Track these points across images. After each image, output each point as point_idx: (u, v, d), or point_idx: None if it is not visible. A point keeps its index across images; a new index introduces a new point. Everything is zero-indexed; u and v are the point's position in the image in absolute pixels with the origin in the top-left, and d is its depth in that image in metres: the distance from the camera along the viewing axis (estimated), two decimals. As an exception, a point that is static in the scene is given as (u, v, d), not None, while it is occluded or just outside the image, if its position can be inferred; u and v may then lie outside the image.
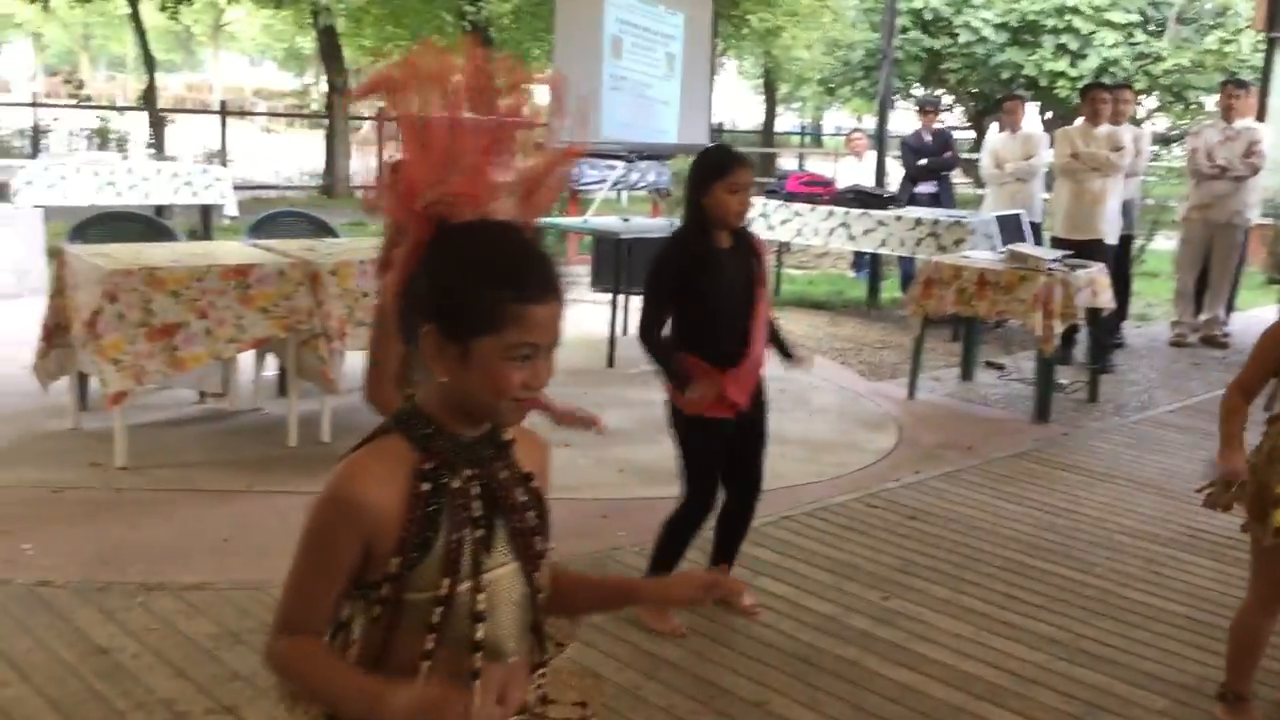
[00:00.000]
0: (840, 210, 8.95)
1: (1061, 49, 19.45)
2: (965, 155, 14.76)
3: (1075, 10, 19.37)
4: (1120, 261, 7.80)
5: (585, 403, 6.23)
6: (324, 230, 6.47)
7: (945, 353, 7.70)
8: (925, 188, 9.99)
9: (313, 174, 19.31)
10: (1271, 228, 10.02)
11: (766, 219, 9.18)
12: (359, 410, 3.93)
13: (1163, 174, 15.95)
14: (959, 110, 23.30)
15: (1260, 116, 10.84)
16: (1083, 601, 3.90)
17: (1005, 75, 19.80)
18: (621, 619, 3.52)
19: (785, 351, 3.70)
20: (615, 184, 9.23)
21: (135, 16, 15.50)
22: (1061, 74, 19.21)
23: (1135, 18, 19.53)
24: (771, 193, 9.68)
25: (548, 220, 9.58)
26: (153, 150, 13.56)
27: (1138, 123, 16.40)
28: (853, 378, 7.14)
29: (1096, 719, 3.14)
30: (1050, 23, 19.53)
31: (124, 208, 8.60)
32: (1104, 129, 7.48)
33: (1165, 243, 11.54)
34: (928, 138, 10.11)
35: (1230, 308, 8.74)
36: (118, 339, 4.63)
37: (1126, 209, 7.85)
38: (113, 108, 17.92)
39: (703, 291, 3.38)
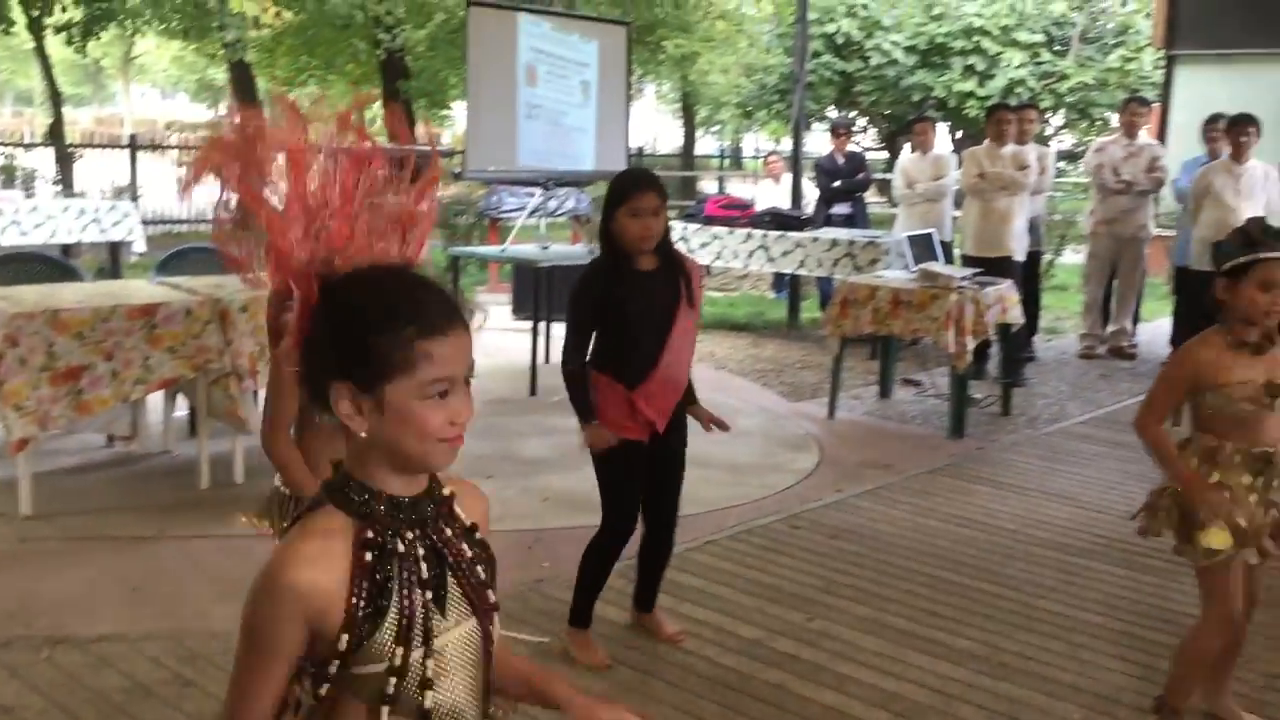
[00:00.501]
0: (759, 233, 9.08)
1: (970, 70, 19.95)
2: (879, 176, 15.05)
3: (982, 32, 19.90)
4: (1029, 277, 7.98)
5: (507, 432, 6.26)
6: (235, 266, 6.34)
7: (864, 371, 7.80)
8: (840, 209, 10.14)
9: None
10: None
11: (687, 242, 9.25)
12: (272, 450, 3.86)
13: (1069, 190, 16.40)
14: (873, 132, 23.74)
15: (1160, 132, 11.22)
16: (1001, 614, 3.96)
17: (916, 97, 20.24)
18: (548, 653, 3.49)
19: (691, 398, 3.58)
20: (534, 211, 9.22)
21: (40, 50, 15.16)
22: (970, 94, 19.69)
23: (1040, 38, 20.11)
24: (690, 216, 9.77)
25: (466, 249, 9.56)
26: (60, 187, 13.24)
27: (1044, 141, 16.89)
28: (774, 399, 7.20)
29: (1016, 732, 3.19)
30: (958, 44, 20.03)
31: (29, 248, 8.37)
32: (1009, 148, 7.67)
33: (1073, 257, 11.85)
34: (841, 160, 10.27)
35: (1136, 319, 8.99)
36: (20, 384, 4.50)
37: (1033, 226, 8.05)
38: (18, 144, 17.45)
39: (622, 316, 3.37)
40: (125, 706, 3.17)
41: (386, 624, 1.38)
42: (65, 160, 14.89)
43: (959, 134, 20.94)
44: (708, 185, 22.68)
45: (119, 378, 4.73)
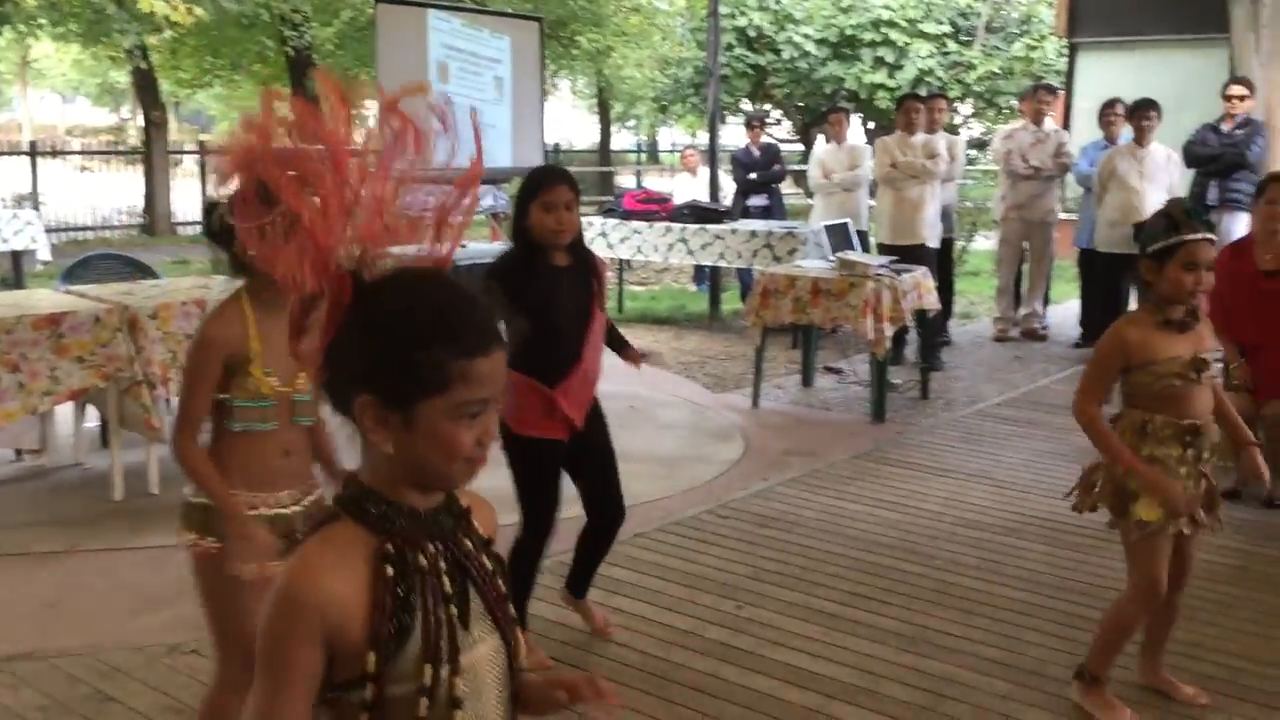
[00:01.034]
0: (678, 226, 9.10)
1: (880, 61, 20.26)
2: (795, 167, 15.20)
3: (890, 24, 20.22)
4: (943, 263, 8.14)
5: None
6: (142, 271, 6.20)
7: (786, 360, 7.88)
8: (757, 200, 10.24)
9: (132, 212, 18.50)
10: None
11: (606, 238, 9.25)
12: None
13: (979, 177, 16.75)
14: (788, 124, 23.97)
15: (1065, 118, 11.51)
16: (924, 594, 4.04)
17: (828, 89, 20.51)
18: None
19: (622, 345, 3.64)
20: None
21: (-70, 56, 14.61)
22: (881, 85, 20.00)
23: (947, 28, 20.50)
24: (609, 211, 9.76)
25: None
26: (-44, 196, 12.80)
27: (954, 129, 17.21)
28: (699, 391, 7.24)
29: (943, 708, 3.25)
30: (868, 36, 20.34)
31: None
32: (920, 137, 7.80)
33: (984, 243, 12.10)
34: (756, 152, 10.36)
35: (1046, 301, 9.22)
36: (-81, 400, 4.34)
37: (946, 213, 8.21)
38: (-91, 153, 16.82)
39: (535, 311, 3.35)
40: (43, 727, 3.08)
41: (412, 642, 1.31)
42: (-39, 169, 14.38)
43: (871, 125, 21.25)
44: (625, 180, 22.73)
45: (25, 390, 4.58)
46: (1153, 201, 7.26)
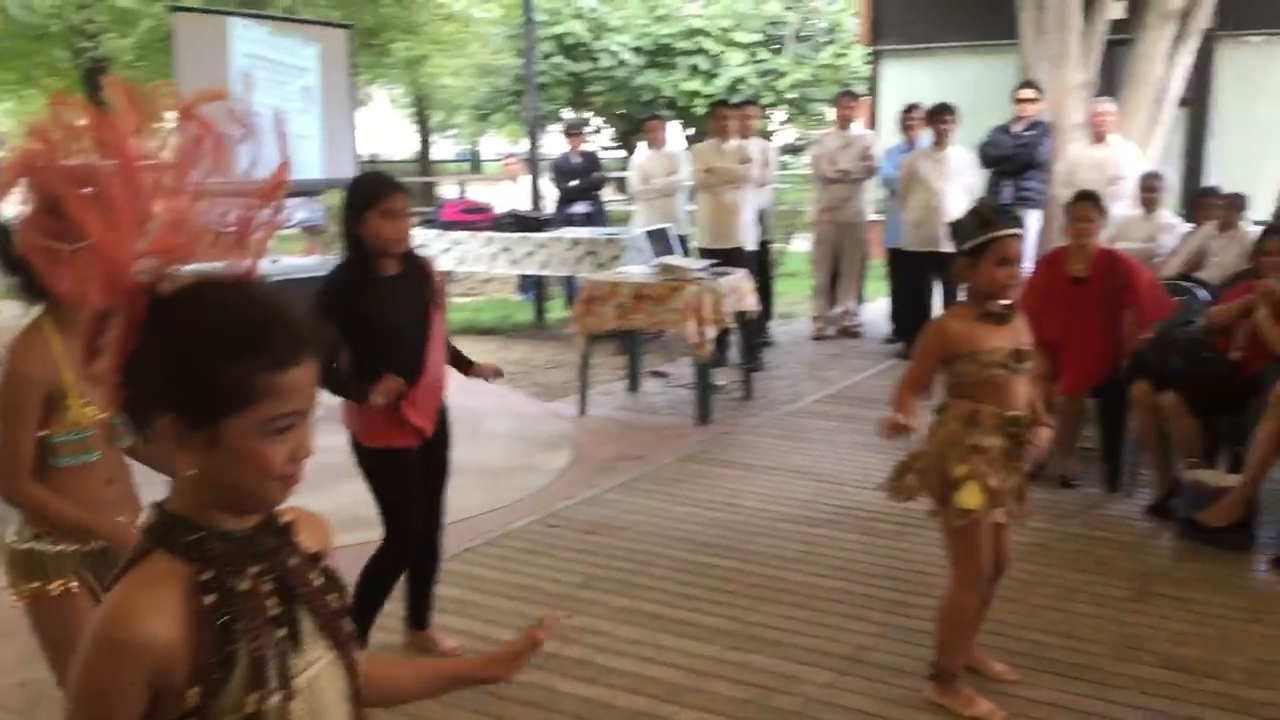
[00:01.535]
0: (500, 235, 9.03)
1: (694, 70, 20.63)
2: (615, 174, 15.33)
3: (703, 33, 20.62)
4: (761, 266, 8.33)
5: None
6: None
7: (612, 366, 7.93)
8: (579, 208, 10.27)
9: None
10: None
11: (428, 249, 9.09)
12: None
13: (793, 181, 17.24)
14: (607, 131, 24.16)
15: (872, 123, 11.96)
16: (748, 590, 4.12)
17: (646, 97, 20.75)
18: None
19: (466, 365, 3.60)
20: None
21: None
22: (696, 93, 20.36)
23: (758, 37, 21.03)
24: (429, 222, 9.61)
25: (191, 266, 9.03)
26: None
27: (768, 135, 17.67)
28: (525, 401, 7.21)
29: (769, 701, 3.32)
30: (682, 45, 20.68)
31: None
32: (733, 144, 7.97)
33: (801, 245, 12.46)
34: (576, 160, 10.40)
35: (860, 299, 9.56)
36: None
37: (762, 217, 8.41)
38: None
39: (373, 322, 3.27)
40: None
41: (237, 671, 1.25)
42: None
43: (690, 131, 21.62)
44: (448, 190, 22.44)
45: None
46: (953, 202, 7.63)
